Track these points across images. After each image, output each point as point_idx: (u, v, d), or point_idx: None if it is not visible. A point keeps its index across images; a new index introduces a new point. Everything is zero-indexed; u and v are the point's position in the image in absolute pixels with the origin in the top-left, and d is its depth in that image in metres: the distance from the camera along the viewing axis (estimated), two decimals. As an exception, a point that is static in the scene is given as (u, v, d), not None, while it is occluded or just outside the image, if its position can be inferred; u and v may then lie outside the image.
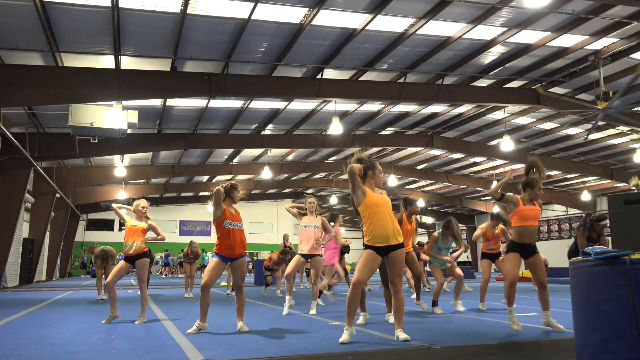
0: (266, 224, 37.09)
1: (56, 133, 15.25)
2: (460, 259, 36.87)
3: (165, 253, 30.29)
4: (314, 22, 9.78)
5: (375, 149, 20.73)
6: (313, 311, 7.24)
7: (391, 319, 6.26)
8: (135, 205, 6.77)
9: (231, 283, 12.78)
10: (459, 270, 8.01)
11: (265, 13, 9.45)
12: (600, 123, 14.07)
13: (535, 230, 5.41)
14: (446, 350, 4.21)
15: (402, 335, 4.59)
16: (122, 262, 6.55)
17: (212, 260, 5.47)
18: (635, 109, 12.85)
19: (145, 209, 6.71)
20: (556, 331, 5.19)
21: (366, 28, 10.06)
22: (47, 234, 22.06)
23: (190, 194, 30.32)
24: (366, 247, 4.71)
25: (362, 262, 4.65)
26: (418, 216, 8.17)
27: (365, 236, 4.74)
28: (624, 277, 3.04)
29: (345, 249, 12.89)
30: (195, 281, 12.00)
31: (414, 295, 8.04)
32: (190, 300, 10.43)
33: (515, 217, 5.36)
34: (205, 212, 34.84)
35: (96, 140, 13.25)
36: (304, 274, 15.84)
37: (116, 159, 19.56)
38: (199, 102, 14.04)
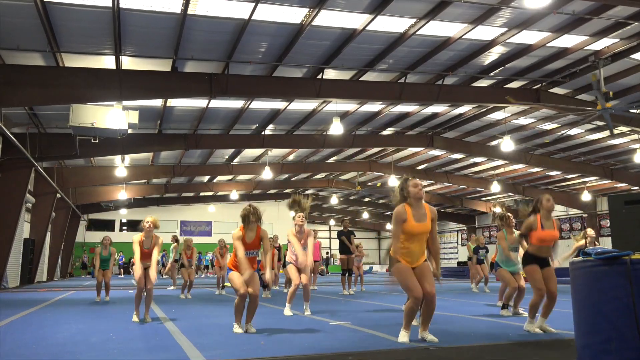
0: (267, 224, 37.15)
1: (57, 133, 15.26)
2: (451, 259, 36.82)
3: (162, 254, 30.27)
4: (314, 23, 9.78)
5: (375, 150, 20.74)
6: (307, 312, 7.24)
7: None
8: (143, 223, 6.91)
9: (222, 284, 12.95)
10: (522, 283, 7.26)
11: (266, 13, 9.45)
12: (600, 123, 14.07)
13: (551, 249, 5.62)
14: (446, 350, 4.21)
15: (429, 336, 4.62)
16: (137, 268, 6.79)
17: (232, 274, 5.53)
18: (635, 109, 12.85)
19: (149, 224, 6.80)
20: (555, 332, 5.20)
21: (366, 28, 10.06)
22: (48, 235, 22.07)
23: (191, 194, 30.31)
24: (391, 260, 4.71)
25: (404, 276, 4.57)
26: None
27: (393, 248, 4.68)
28: (625, 277, 3.05)
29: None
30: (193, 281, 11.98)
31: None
32: (189, 300, 10.43)
33: (534, 237, 5.50)
34: (205, 212, 34.85)
35: (97, 141, 13.25)
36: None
37: (117, 159, 19.56)
38: (199, 103, 14.05)
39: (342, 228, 12.95)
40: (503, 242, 7.29)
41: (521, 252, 6.57)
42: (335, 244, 13.07)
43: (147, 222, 6.86)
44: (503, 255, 7.40)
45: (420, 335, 4.69)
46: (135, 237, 6.89)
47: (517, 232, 7.31)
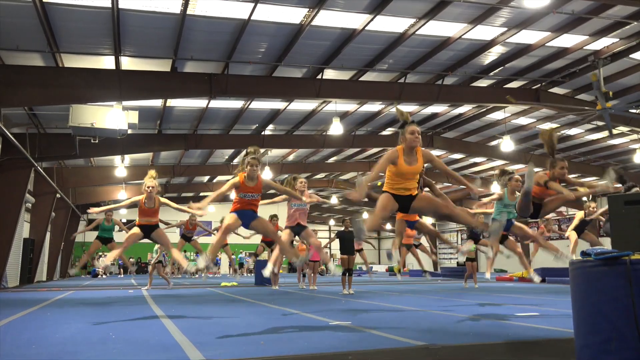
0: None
1: (57, 133, 15.27)
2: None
3: (162, 253, 30.20)
4: (314, 23, 9.79)
5: (375, 149, 20.74)
6: (333, 269, 7.44)
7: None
8: (143, 187, 6.81)
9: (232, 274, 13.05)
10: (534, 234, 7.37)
11: (266, 13, 9.46)
12: (600, 123, 14.07)
13: None
14: (446, 349, 4.21)
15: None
16: (135, 229, 6.74)
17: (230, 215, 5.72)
18: (635, 109, 12.86)
19: (150, 188, 6.71)
20: (556, 329, 5.19)
21: (366, 28, 10.07)
22: (48, 234, 22.07)
23: (191, 194, 30.27)
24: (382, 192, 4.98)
25: (383, 200, 4.87)
26: None
27: (367, 178, 4.96)
28: (624, 277, 3.05)
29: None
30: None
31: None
32: (190, 299, 10.41)
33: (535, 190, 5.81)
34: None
35: (96, 141, 13.27)
36: (302, 274, 15.86)
37: (116, 159, 19.57)
38: (199, 103, 14.06)
39: (342, 228, 12.97)
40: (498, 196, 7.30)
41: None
42: (335, 244, 13.11)
43: (149, 187, 6.75)
44: (499, 208, 7.34)
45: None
46: (137, 197, 6.81)
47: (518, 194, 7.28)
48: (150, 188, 6.70)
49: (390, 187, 4.99)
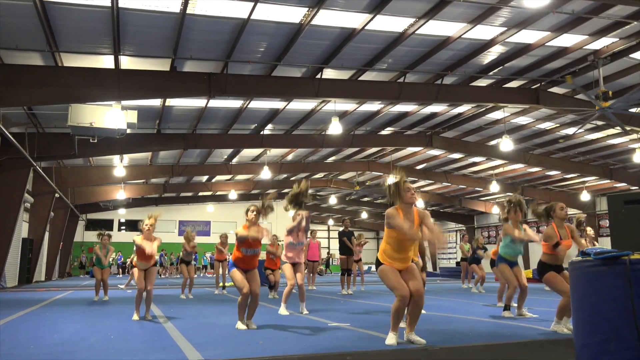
0: (265, 224, 37.03)
1: (56, 133, 15.24)
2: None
3: (160, 253, 30.25)
4: (313, 22, 9.77)
5: (374, 149, 20.73)
6: (305, 311, 7.36)
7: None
8: (142, 225, 6.94)
9: (220, 283, 12.91)
10: (524, 280, 6.79)
11: (265, 13, 9.44)
12: (599, 123, 14.08)
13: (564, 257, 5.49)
14: (445, 350, 4.21)
15: (415, 338, 4.49)
16: (137, 270, 6.93)
17: (234, 271, 5.75)
18: (634, 109, 12.85)
19: (149, 226, 6.81)
20: (556, 332, 5.20)
21: (366, 28, 10.06)
22: (47, 234, 22.05)
23: (190, 194, 30.30)
24: (378, 262, 4.62)
25: (388, 276, 4.50)
26: None
27: (380, 250, 4.67)
28: (624, 277, 3.04)
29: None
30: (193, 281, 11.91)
31: None
32: (189, 300, 10.41)
33: (549, 246, 5.42)
34: (204, 212, 34.77)
35: (95, 140, 13.23)
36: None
37: (115, 159, 19.54)
38: (198, 102, 14.04)
39: (342, 228, 12.96)
40: (510, 230, 6.69)
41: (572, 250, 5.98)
42: (335, 243, 13.10)
43: (147, 225, 6.85)
44: (507, 241, 6.91)
45: (406, 337, 4.52)
46: (137, 239, 6.87)
47: (524, 228, 6.81)
48: (149, 226, 6.81)
49: (389, 257, 4.59)
